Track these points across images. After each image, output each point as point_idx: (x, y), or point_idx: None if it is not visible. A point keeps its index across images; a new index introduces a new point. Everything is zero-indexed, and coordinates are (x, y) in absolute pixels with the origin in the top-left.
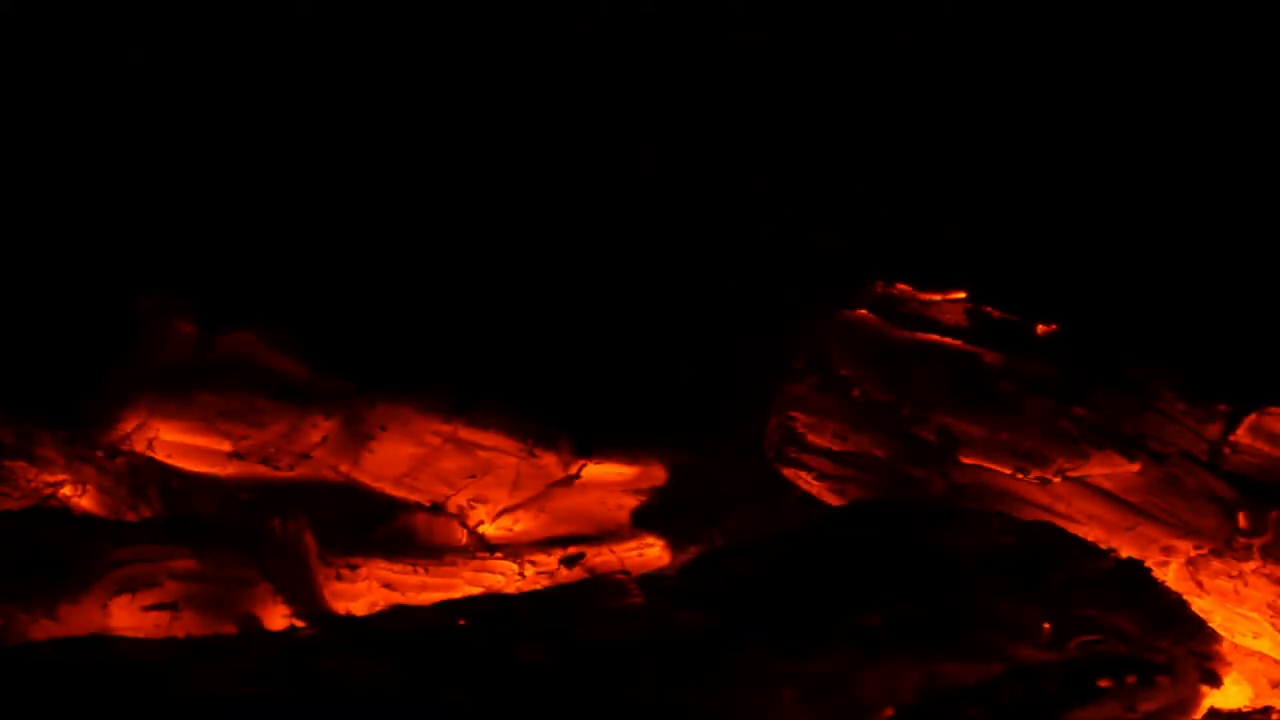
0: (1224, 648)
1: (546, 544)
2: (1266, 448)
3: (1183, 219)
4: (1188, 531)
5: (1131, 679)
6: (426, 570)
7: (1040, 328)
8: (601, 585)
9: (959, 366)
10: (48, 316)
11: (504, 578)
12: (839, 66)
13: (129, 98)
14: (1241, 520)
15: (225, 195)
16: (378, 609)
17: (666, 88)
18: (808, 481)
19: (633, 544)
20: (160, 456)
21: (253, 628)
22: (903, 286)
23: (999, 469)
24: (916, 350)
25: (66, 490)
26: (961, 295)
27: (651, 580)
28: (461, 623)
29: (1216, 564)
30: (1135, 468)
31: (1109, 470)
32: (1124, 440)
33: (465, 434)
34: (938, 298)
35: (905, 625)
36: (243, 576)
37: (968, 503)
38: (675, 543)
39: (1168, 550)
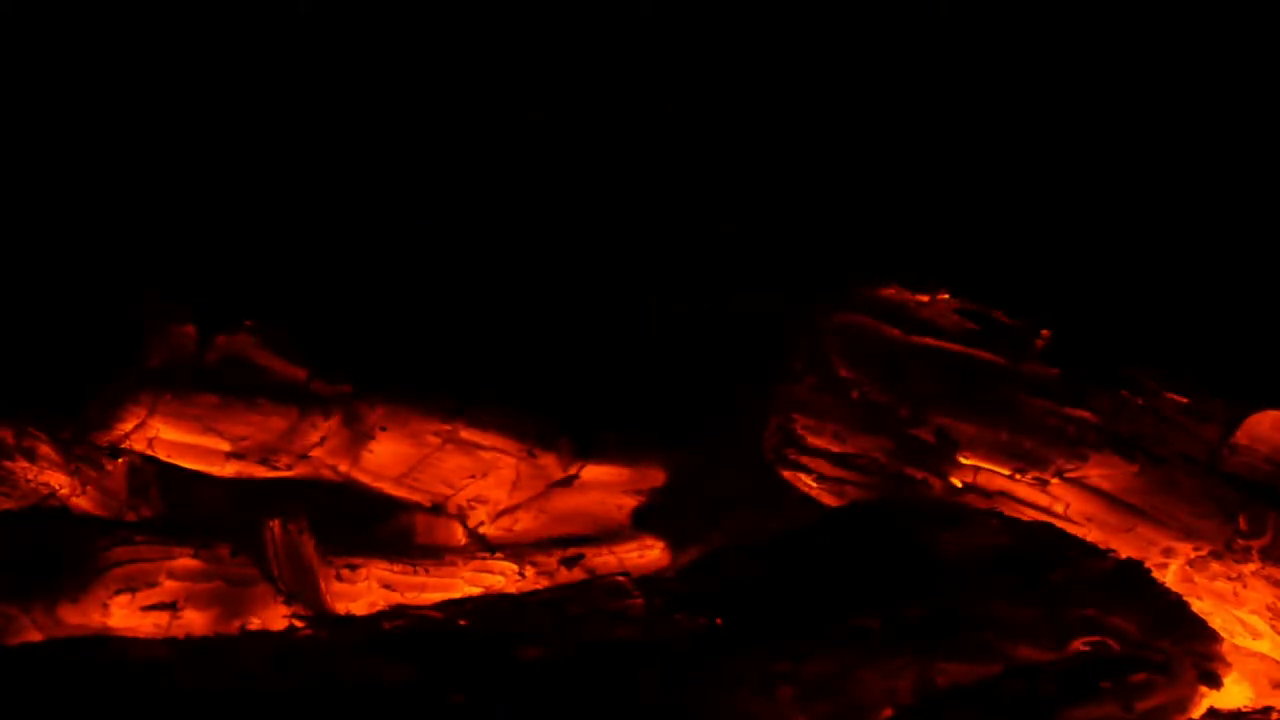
0: (1223, 648)
1: (546, 544)
2: (1265, 449)
3: (1181, 221)
4: (1187, 533)
5: (1130, 679)
6: (426, 570)
7: (1042, 330)
8: (601, 586)
9: (957, 368)
10: (48, 317)
11: (504, 578)
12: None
13: (128, 98)
14: (1241, 522)
15: (225, 196)
16: (378, 609)
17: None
18: (807, 483)
19: (633, 544)
20: (160, 456)
21: (253, 628)
22: (900, 288)
23: (997, 470)
24: (915, 352)
25: (66, 490)
26: (946, 295)
27: (651, 581)
28: (462, 623)
29: (1216, 566)
30: (1134, 469)
31: (1107, 472)
32: (1122, 442)
33: (465, 434)
34: (928, 298)
35: (904, 625)
36: (243, 576)
37: (967, 503)
38: (675, 543)
39: (1167, 552)
